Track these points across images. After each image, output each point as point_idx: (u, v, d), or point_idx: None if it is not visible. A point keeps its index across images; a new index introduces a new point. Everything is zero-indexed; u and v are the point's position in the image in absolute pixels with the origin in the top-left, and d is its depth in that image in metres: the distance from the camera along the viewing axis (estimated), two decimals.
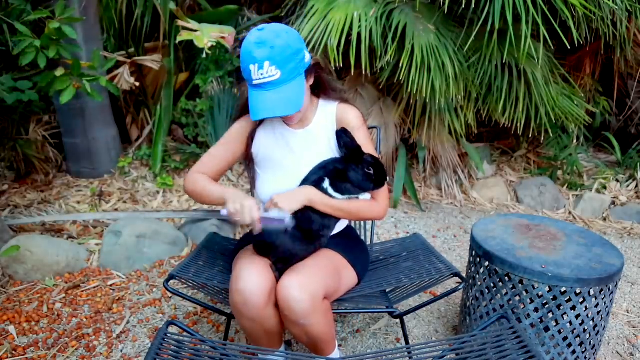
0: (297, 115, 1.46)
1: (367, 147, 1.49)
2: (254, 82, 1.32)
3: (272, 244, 1.40)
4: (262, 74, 1.30)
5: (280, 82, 1.32)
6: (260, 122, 1.55)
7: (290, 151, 1.52)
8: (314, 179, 1.45)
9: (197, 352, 1.19)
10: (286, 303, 1.29)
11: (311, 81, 1.45)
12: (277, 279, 1.37)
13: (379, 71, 2.98)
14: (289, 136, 1.52)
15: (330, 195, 1.44)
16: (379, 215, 1.53)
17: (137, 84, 3.01)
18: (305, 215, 1.41)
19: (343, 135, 1.45)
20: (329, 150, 1.51)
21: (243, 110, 1.55)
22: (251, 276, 1.31)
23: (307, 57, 1.39)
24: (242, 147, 1.56)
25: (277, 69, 1.30)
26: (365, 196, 1.50)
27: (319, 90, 1.53)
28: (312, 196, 1.41)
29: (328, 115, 1.52)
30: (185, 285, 1.65)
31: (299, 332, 1.34)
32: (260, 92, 1.33)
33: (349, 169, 1.44)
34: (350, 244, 1.61)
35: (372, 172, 1.44)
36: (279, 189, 1.44)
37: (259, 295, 1.30)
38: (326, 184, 1.44)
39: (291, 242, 1.40)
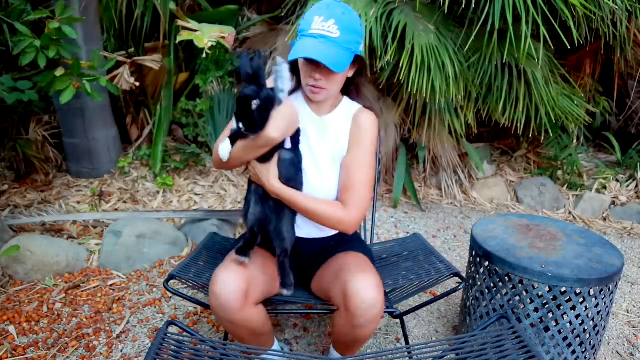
0: (324, 92, 1.38)
1: (360, 153, 1.42)
2: (310, 32, 1.31)
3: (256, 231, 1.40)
4: (323, 27, 1.29)
5: (334, 42, 1.30)
6: None
7: (305, 136, 1.46)
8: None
9: (197, 352, 1.19)
10: (361, 304, 1.25)
11: (350, 73, 1.43)
12: (280, 275, 1.37)
13: (379, 71, 2.98)
14: (307, 119, 1.46)
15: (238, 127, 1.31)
16: (347, 225, 1.39)
17: (137, 84, 3.01)
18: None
19: (243, 56, 1.27)
20: (335, 143, 1.46)
21: None
22: (225, 279, 1.29)
23: (362, 47, 1.38)
24: None
25: (338, 30, 1.30)
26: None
27: (350, 90, 1.50)
28: (274, 189, 1.38)
29: (348, 112, 1.47)
30: (185, 285, 1.65)
31: (359, 333, 1.31)
32: (311, 39, 1.31)
33: (244, 92, 1.27)
34: (356, 244, 1.57)
35: (254, 107, 1.26)
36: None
37: (234, 299, 1.27)
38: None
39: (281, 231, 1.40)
